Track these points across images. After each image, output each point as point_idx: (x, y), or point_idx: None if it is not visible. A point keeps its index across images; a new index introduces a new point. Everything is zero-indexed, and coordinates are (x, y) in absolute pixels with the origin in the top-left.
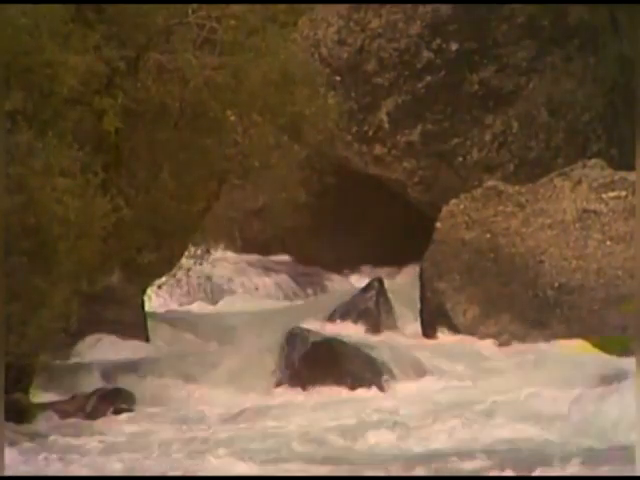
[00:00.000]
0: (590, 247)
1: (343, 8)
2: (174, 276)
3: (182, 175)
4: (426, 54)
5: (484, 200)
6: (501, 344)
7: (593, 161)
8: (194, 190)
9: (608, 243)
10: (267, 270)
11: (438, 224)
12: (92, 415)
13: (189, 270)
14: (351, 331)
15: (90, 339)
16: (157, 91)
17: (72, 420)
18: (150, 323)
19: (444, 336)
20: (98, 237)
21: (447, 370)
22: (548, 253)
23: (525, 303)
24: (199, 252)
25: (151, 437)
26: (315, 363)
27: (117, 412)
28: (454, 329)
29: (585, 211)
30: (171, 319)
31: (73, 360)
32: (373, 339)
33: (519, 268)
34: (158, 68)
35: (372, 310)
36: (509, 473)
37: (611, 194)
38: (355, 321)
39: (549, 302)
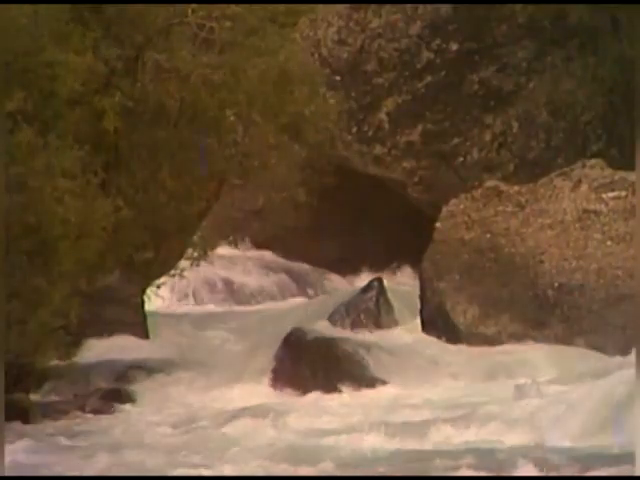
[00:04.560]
0: (590, 247)
1: (343, 8)
2: (173, 276)
3: (182, 175)
4: (426, 54)
5: (484, 200)
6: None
7: (593, 161)
8: (194, 190)
9: (608, 243)
10: (267, 270)
11: (438, 224)
12: (92, 415)
13: (184, 270)
14: (351, 331)
15: (90, 339)
16: (156, 90)
17: (72, 420)
18: (150, 323)
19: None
20: (98, 237)
21: (446, 370)
22: (548, 253)
23: (525, 303)
24: (198, 252)
25: (150, 436)
26: (314, 364)
27: (116, 412)
28: (454, 329)
29: (585, 211)
30: (170, 319)
31: (73, 360)
32: (373, 339)
33: (519, 268)
34: (157, 67)
35: (372, 310)
36: (507, 473)
37: (611, 194)
38: (355, 321)
39: (549, 302)
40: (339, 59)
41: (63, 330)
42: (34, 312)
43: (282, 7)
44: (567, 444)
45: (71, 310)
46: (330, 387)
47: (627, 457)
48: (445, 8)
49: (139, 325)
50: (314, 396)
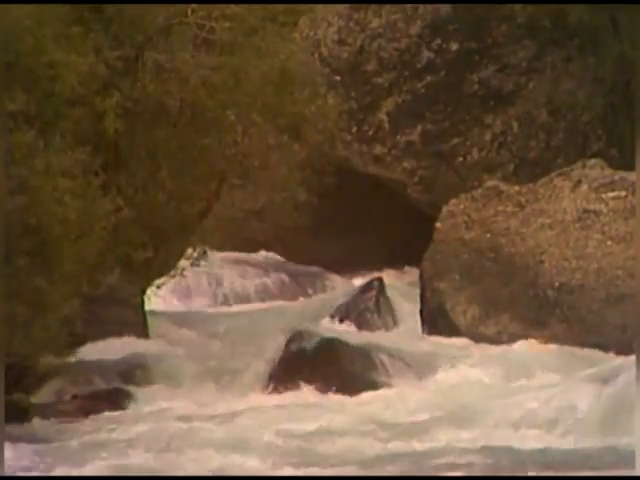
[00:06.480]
0: (590, 247)
1: (343, 8)
2: (174, 276)
3: (181, 175)
4: (426, 54)
5: (484, 200)
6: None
7: (593, 161)
8: (194, 190)
9: (608, 243)
10: (267, 270)
11: (438, 224)
12: (92, 415)
13: (184, 270)
14: (351, 331)
15: (90, 339)
16: (156, 90)
17: (72, 420)
18: (151, 323)
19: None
20: (98, 237)
21: (446, 370)
22: (548, 253)
23: (525, 303)
24: (198, 252)
25: (149, 436)
26: (316, 364)
27: (116, 412)
28: (454, 329)
29: (585, 211)
30: (171, 319)
31: (73, 360)
32: (373, 339)
33: (519, 268)
34: (157, 67)
35: (372, 310)
36: (509, 473)
37: (611, 194)
38: (355, 321)
39: (549, 302)
40: (339, 59)
41: (69, 335)
42: (36, 314)
43: (282, 7)
44: (567, 444)
45: (75, 314)
46: (330, 387)
47: (627, 457)
48: (445, 8)
49: (139, 325)
50: (313, 396)
